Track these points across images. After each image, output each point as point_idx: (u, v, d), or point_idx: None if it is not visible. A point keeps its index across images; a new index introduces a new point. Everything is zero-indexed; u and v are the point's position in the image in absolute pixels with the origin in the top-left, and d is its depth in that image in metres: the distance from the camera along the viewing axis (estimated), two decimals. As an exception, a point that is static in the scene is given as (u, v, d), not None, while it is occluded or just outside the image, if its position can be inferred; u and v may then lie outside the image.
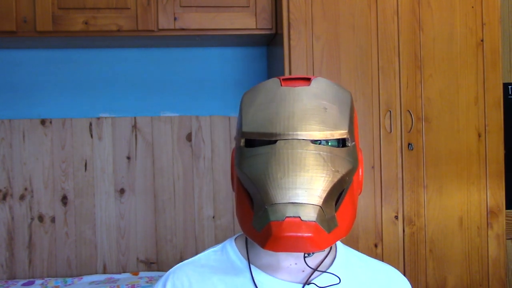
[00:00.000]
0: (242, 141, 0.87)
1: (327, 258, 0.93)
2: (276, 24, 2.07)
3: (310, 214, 0.76)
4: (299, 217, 0.76)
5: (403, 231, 1.96)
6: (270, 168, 0.79)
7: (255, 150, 0.83)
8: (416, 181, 1.96)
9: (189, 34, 2.10)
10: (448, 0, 1.97)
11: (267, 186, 0.78)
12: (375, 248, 1.95)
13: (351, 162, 0.84)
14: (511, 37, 2.47)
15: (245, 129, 0.86)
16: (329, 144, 0.85)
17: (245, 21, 2.08)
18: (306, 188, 0.78)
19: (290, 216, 0.76)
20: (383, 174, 1.95)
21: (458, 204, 1.97)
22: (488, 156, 1.98)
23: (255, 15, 2.08)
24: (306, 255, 0.88)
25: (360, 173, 0.90)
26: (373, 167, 1.94)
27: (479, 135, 1.98)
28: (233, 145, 2.39)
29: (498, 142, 1.98)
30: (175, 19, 2.05)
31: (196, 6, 2.07)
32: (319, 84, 0.89)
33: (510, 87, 2.45)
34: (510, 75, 2.47)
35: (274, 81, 0.90)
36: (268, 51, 2.38)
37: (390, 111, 1.95)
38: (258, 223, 0.79)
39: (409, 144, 1.95)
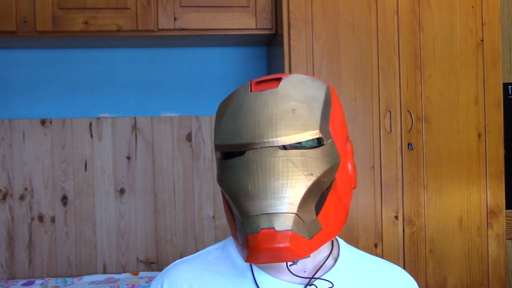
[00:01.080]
0: (218, 154, 0.86)
1: (329, 259, 0.92)
2: (276, 24, 2.07)
3: (284, 224, 0.75)
4: (273, 227, 0.74)
5: (403, 231, 1.96)
6: (241, 180, 0.78)
7: (228, 163, 0.82)
8: (416, 181, 1.96)
9: (189, 34, 2.10)
10: (448, 0, 1.97)
11: (241, 199, 0.78)
12: (375, 248, 1.95)
13: (329, 161, 0.81)
14: (511, 37, 2.47)
15: (216, 141, 0.85)
16: (308, 146, 0.82)
17: (245, 21, 2.08)
18: (278, 197, 0.76)
19: (264, 228, 0.75)
20: (383, 174, 1.94)
21: (458, 204, 1.97)
22: (488, 156, 1.98)
23: (255, 15, 2.08)
24: (290, 263, 0.86)
25: (350, 167, 0.87)
26: (373, 167, 1.94)
27: (479, 135, 1.98)
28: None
29: (498, 142, 1.98)
30: (175, 19, 2.05)
31: (196, 6, 2.06)
32: (289, 83, 0.85)
33: (510, 87, 2.45)
34: (510, 75, 2.47)
35: (244, 87, 0.87)
36: (268, 51, 2.38)
37: (390, 111, 1.95)
38: (239, 236, 0.78)
39: (409, 144, 1.95)
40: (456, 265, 1.97)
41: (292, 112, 0.81)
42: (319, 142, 0.83)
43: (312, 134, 0.81)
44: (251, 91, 0.86)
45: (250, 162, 0.78)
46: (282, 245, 0.74)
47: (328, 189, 0.82)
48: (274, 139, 0.79)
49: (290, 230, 0.75)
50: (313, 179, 0.78)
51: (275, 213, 0.75)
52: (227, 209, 0.85)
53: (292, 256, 0.76)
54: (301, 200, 0.77)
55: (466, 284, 1.98)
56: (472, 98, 1.98)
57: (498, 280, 1.99)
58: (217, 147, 0.85)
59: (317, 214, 0.80)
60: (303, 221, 0.77)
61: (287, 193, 0.76)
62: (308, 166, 0.79)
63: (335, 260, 0.93)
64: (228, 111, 0.85)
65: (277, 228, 0.74)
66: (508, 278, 2.30)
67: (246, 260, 0.77)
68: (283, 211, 0.75)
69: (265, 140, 0.79)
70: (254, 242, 0.75)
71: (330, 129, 0.84)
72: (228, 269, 0.90)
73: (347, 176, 0.87)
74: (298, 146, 0.81)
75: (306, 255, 0.77)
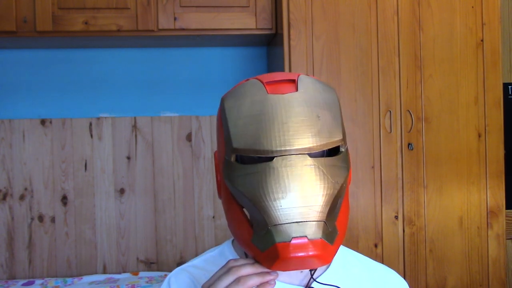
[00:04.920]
0: (233, 157, 0.82)
1: None
2: (276, 24, 2.07)
3: (316, 232, 0.75)
4: (306, 236, 0.74)
5: (403, 231, 1.96)
6: (269, 187, 0.76)
7: (250, 168, 0.79)
8: (416, 181, 1.95)
9: (189, 34, 2.10)
10: (448, 0, 1.97)
11: (268, 207, 0.76)
12: (375, 248, 1.95)
13: (346, 167, 0.83)
14: (511, 37, 2.47)
15: (236, 144, 0.80)
16: (327, 152, 0.83)
17: (245, 21, 2.08)
18: (309, 205, 0.76)
19: (297, 236, 0.74)
20: (383, 174, 1.94)
21: (458, 204, 1.97)
22: (488, 156, 1.98)
23: (255, 15, 2.08)
24: (312, 270, 0.87)
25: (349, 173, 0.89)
26: (373, 167, 1.94)
27: (479, 135, 1.98)
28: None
29: (498, 142, 1.98)
30: (175, 19, 2.05)
31: (196, 6, 2.06)
32: (306, 86, 0.84)
33: (510, 87, 2.45)
34: (510, 75, 2.47)
35: (257, 87, 0.84)
36: (268, 51, 2.38)
37: (390, 111, 1.95)
38: (261, 243, 0.77)
39: (409, 144, 1.95)
40: (456, 265, 1.97)
41: (317, 118, 0.80)
42: (338, 149, 0.83)
43: (336, 141, 0.81)
44: (267, 93, 0.83)
45: (279, 169, 0.77)
46: (314, 253, 0.74)
47: (342, 195, 0.83)
48: (304, 147, 0.78)
49: (320, 238, 0.75)
50: (338, 186, 0.79)
51: (306, 221, 0.75)
52: (238, 211, 0.82)
53: (321, 263, 0.76)
54: (329, 208, 0.77)
55: (466, 284, 1.98)
56: (472, 98, 1.98)
57: (498, 280, 1.98)
58: (237, 151, 0.81)
59: (335, 220, 0.80)
60: (328, 228, 0.77)
61: (318, 202, 0.76)
62: (334, 174, 0.79)
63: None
64: (245, 113, 0.82)
65: (309, 237, 0.74)
66: (508, 278, 2.30)
67: (272, 268, 0.76)
68: (314, 219, 0.75)
69: (295, 148, 0.78)
70: (285, 250, 0.74)
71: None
72: None
73: (349, 180, 0.88)
74: (321, 153, 0.82)
75: (331, 260, 0.78)
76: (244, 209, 0.82)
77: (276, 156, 0.78)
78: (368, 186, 1.94)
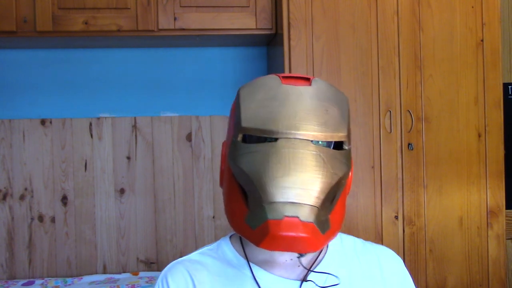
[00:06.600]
0: (240, 136, 0.86)
1: (321, 253, 0.95)
2: (276, 24, 2.07)
3: (308, 215, 0.76)
4: (298, 217, 0.76)
5: (403, 231, 1.96)
6: (270, 166, 0.79)
7: (254, 147, 0.82)
8: (416, 181, 1.96)
9: (189, 34, 2.10)
10: (448, 0, 1.97)
11: (266, 184, 0.78)
12: (375, 248, 1.95)
13: (347, 165, 0.85)
14: (511, 37, 2.47)
15: (244, 124, 0.84)
16: (330, 146, 0.85)
17: (245, 21, 2.08)
18: (305, 188, 0.77)
19: (289, 216, 0.76)
20: (383, 174, 1.94)
21: (458, 204, 1.97)
22: (488, 156, 1.98)
23: (255, 15, 2.08)
24: (299, 255, 0.88)
25: (350, 174, 0.90)
26: (373, 167, 1.94)
27: (479, 135, 1.98)
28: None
29: (498, 142, 1.98)
30: (175, 19, 2.05)
31: (196, 6, 2.07)
32: (319, 85, 0.88)
33: (510, 87, 2.45)
34: (510, 75, 2.47)
35: (273, 78, 0.89)
36: (268, 51, 2.38)
37: (390, 111, 1.95)
38: (254, 221, 0.78)
39: (409, 144, 1.95)
40: (456, 265, 1.97)
41: (325, 112, 0.84)
42: (342, 145, 0.86)
43: (341, 136, 0.84)
44: (282, 84, 0.87)
45: (282, 150, 0.80)
46: (303, 235, 0.75)
47: (339, 191, 0.84)
48: (309, 133, 0.81)
49: (312, 222, 0.76)
50: (336, 178, 0.81)
51: (300, 203, 0.77)
52: (237, 191, 0.84)
53: (309, 247, 0.77)
54: (325, 196, 0.79)
55: (466, 284, 1.98)
56: (472, 98, 1.98)
57: (498, 280, 1.99)
58: (243, 130, 0.84)
59: (329, 213, 0.82)
60: (321, 216, 0.78)
61: (314, 187, 0.78)
62: (334, 165, 0.81)
63: (325, 253, 0.95)
64: (258, 97, 0.86)
65: (301, 218, 0.76)
66: (508, 278, 2.30)
67: (260, 245, 0.77)
68: (308, 203, 0.77)
69: (300, 132, 0.81)
70: (276, 227, 0.75)
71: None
72: (226, 269, 0.91)
73: (350, 182, 0.90)
74: (324, 144, 0.84)
75: (319, 249, 0.79)
76: (242, 191, 0.84)
77: (281, 138, 0.81)
78: (368, 186, 1.94)
